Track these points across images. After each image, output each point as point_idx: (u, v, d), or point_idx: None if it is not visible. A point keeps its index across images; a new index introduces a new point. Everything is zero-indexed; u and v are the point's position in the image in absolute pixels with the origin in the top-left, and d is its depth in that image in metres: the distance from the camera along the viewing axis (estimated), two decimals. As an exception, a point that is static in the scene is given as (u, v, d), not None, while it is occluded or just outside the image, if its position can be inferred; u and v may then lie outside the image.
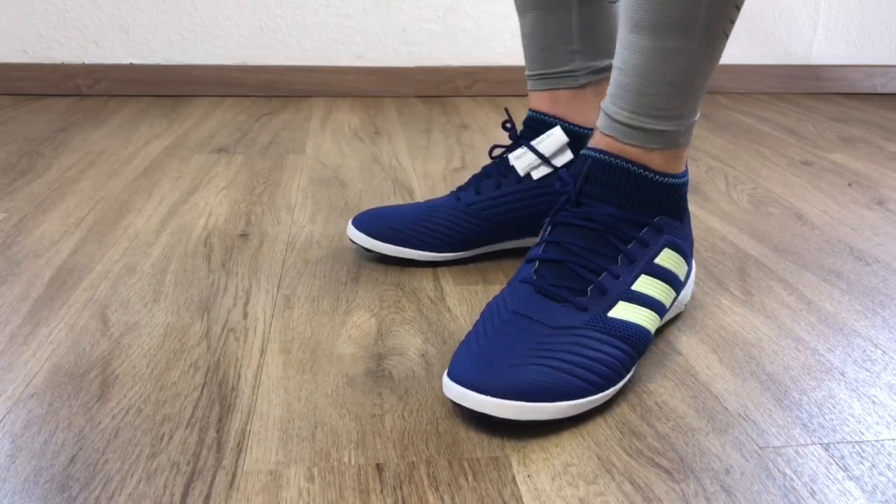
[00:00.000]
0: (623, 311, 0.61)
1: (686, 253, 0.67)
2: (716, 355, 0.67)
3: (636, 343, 0.60)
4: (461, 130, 1.48)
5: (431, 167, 1.22)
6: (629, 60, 0.62)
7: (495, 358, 0.55)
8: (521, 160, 0.82)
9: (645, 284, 0.63)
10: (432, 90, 1.82)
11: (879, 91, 1.97)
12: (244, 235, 0.92)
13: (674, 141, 0.63)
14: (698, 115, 0.65)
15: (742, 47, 1.91)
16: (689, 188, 1.14)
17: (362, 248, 0.83)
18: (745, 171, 1.24)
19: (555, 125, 0.81)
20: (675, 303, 0.69)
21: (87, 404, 0.58)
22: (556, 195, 0.81)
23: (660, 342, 0.69)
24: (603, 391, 0.57)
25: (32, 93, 1.71)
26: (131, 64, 1.73)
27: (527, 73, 0.84)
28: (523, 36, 0.83)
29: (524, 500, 0.49)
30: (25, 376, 0.61)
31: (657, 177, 0.63)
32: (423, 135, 1.44)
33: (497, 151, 1.34)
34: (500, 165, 0.84)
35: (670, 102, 0.61)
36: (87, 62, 1.72)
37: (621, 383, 0.59)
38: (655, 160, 0.63)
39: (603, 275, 0.61)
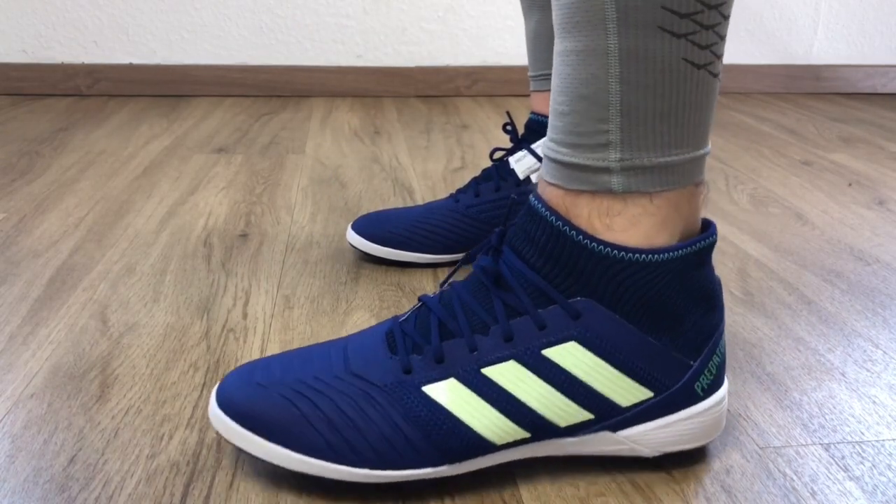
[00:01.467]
0: (446, 392, 0.47)
1: (633, 369, 0.48)
2: (716, 355, 0.67)
3: (432, 435, 0.47)
4: (461, 130, 1.48)
5: (431, 167, 1.22)
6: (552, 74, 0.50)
7: (261, 371, 0.50)
8: (521, 163, 0.82)
9: (506, 374, 0.47)
10: (432, 90, 1.82)
11: (879, 91, 1.97)
12: (244, 236, 0.92)
13: (604, 184, 0.47)
14: (659, 157, 0.46)
15: (742, 47, 1.91)
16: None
17: (362, 252, 0.83)
18: (746, 171, 1.24)
19: (555, 125, 0.81)
20: (605, 432, 0.50)
21: (87, 404, 0.58)
22: None
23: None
24: (346, 465, 0.47)
25: (32, 93, 1.71)
26: (131, 64, 1.73)
27: (530, 74, 0.85)
28: (528, 37, 0.83)
29: (524, 501, 0.49)
30: (25, 376, 0.61)
31: (581, 237, 0.47)
32: (423, 135, 1.44)
33: (498, 154, 1.34)
34: (500, 168, 0.84)
35: (592, 125, 0.46)
36: (86, 62, 1.72)
37: (388, 473, 0.47)
38: (583, 212, 0.47)
39: (454, 341, 0.49)
